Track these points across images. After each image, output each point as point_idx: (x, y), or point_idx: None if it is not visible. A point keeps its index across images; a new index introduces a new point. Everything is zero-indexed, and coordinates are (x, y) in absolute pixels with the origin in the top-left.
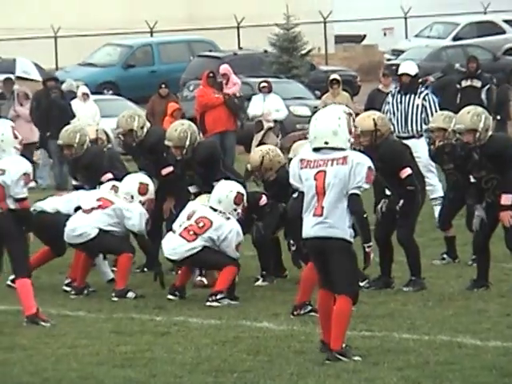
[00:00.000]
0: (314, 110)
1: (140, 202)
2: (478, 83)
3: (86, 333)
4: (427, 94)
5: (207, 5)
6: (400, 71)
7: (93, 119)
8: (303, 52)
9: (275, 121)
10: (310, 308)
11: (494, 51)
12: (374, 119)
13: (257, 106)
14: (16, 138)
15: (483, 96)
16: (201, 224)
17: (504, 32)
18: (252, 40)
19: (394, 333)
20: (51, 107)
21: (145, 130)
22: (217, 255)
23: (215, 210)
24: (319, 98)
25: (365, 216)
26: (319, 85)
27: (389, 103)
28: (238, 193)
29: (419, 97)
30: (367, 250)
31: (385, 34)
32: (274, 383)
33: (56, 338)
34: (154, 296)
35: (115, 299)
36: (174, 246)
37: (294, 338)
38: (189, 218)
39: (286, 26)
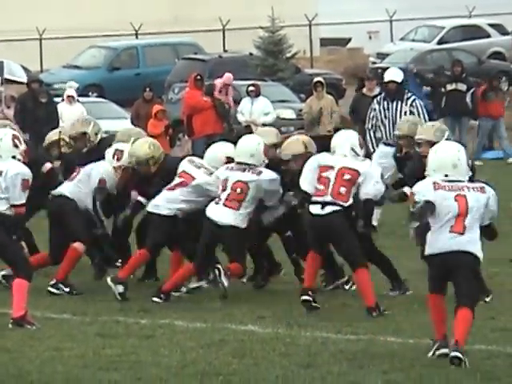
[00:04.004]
0: (299, 112)
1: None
2: (462, 87)
3: (71, 335)
4: (414, 100)
5: (192, 7)
6: (386, 78)
7: None
8: (288, 55)
9: (264, 124)
10: None
11: (478, 55)
12: (303, 142)
13: (245, 110)
14: (16, 146)
15: (468, 99)
16: (238, 190)
17: (489, 36)
18: (237, 43)
19: (380, 336)
20: (37, 110)
21: (99, 136)
22: (242, 247)
23: (247, 165)
24: (304, 101)
25: None
26: (304, 88)
27: (375, 110)
28: (265, 144)
29: (406, 104)
30: None
31: (370, 38)
32: None
33: (41, 340)
34: (138, 299)
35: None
36: (220, 214)
37: (279, 341)
38: (224, 189)
39: (271, 29)
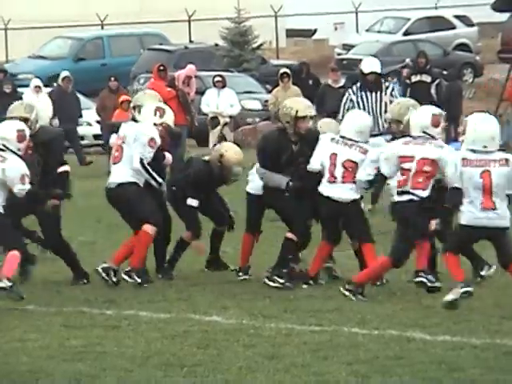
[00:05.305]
0: (265, 103)
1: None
2: (427, 78)
3: (35, 326)
4: (393, 90)
5: None
6: (366, 70)
7: (45, 112)
8: (254, 46)
9: (230, 116)
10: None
11: (444, 46)
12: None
13: (211, 101)
14: (20, 142)
15: (433, 91)
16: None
17: (454, 27)
18: (203, 33)
19: (344, 327)
20: (1, 100)
21: (37, 125)
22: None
23: (356, 142)
24: (270, 91)
25: None
26: (270, 79)
27: (351, 101)
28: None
29: (386, 93)
30: None
31: (336, 29)
32: (224, 377)
33: (5, 331)
34: (104, 289)
35: None
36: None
37: (243, 332)
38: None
39: (237, 20)
